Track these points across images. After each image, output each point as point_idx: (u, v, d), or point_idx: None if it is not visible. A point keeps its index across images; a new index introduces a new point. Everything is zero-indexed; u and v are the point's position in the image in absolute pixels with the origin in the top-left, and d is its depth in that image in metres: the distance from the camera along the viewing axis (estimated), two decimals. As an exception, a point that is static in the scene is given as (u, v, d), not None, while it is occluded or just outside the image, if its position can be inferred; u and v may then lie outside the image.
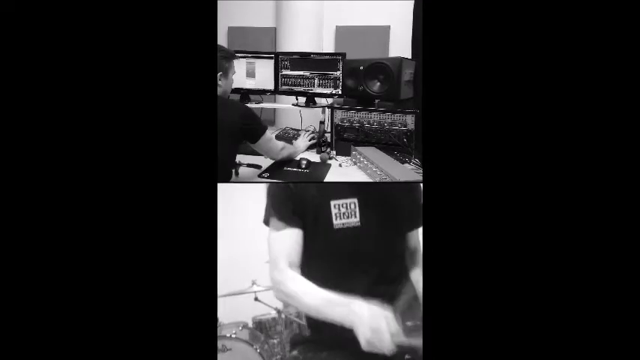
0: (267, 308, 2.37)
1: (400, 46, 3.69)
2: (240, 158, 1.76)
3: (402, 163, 1.85)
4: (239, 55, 2.59)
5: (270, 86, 2.64)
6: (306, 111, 2.62)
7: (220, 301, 1.88)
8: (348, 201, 1.09)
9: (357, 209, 1.09)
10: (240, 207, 2.35)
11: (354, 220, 1.09)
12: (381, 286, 1.09)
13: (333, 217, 1.09)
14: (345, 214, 1.10)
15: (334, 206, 1.09)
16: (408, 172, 1.71)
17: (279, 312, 2.38)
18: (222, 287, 1.77)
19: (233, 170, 1.71)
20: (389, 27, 4.17)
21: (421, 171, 1.70)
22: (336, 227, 1.10)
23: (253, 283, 2.34)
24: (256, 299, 2.33)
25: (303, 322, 2.35)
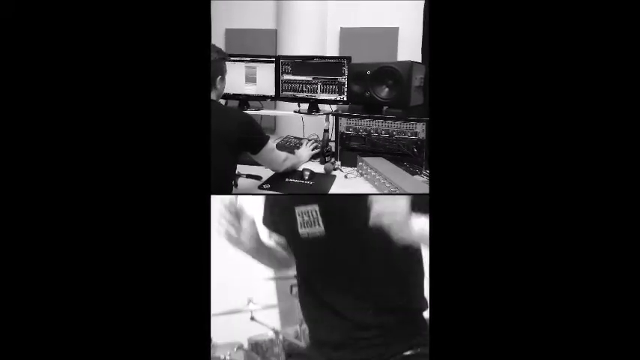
0: (264, 328, 2.36)
1: (410, 49, 3.71)
2: (239, 169, 1.75)
3: (412, 175, 1.85)
4: (238, 59, 2.61)
5: (271, 92, 2.64)
6: (308, 118, 2.63)
7: (214, 321, 1.88)
8: (309, 208, 1.07)
9: (319, 216, 1.05)
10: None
11: (318, 228, 1.06)
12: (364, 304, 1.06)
13: (298, 226, 1.07)
14: (307, 222, 1.07)
15: (298, 214, 1.07)
16: (419, 184, 1.71)
17: (276, 332, 2.37)
18: (216, 305, 1.76)
19: (232, 182, 1.71)
20: (397, 28, 4.20)
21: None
22: (302, 236, 1.07)
23: (249, 301, 2.33)
24: (252, 319, 2.32)
25: (302, 343, 2.33)
